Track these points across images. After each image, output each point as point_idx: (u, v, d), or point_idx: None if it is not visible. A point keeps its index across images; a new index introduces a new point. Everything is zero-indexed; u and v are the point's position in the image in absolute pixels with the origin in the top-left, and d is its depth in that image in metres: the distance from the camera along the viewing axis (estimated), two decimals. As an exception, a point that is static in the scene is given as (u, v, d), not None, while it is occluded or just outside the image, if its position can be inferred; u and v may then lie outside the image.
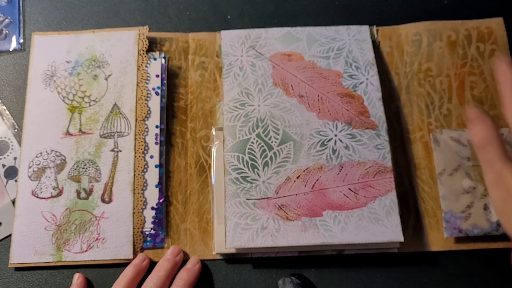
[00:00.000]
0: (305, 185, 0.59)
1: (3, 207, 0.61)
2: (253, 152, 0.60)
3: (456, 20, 0.67)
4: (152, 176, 0.61)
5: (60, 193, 0.60)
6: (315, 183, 0.59)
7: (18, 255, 0.59)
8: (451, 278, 0.59)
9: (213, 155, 0.62)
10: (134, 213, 0.59)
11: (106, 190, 0.60)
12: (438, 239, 0.59)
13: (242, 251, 0.58)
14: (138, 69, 0.64)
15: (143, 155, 0.61)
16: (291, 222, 0.57)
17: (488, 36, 0.66)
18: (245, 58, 0.64)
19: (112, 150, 0.61)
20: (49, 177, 0.61)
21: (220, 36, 0.66)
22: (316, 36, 0.66)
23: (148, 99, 0.64)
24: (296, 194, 0.58)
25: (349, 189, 0.58)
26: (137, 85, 0.64)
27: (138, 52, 0.65)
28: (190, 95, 0.66)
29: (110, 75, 0.64)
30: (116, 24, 0.70)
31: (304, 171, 0.59)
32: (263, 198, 0.58)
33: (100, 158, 0.61)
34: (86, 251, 0.58)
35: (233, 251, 0.58)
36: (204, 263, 0.60)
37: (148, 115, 0.63)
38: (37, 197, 0.60)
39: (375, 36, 0.67)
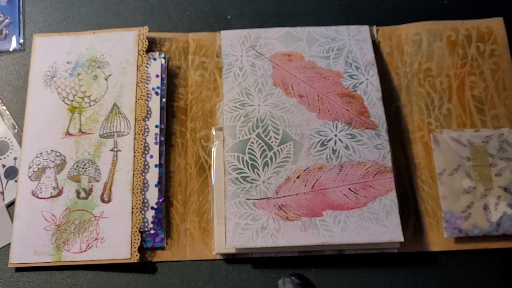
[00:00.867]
0: (305, 185, 0.59)
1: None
2: (253, 152, 0.60)
3: (456, 20, 0.67)
4: (152, 176, 0.61)
5: (60, 193, 0.60)
6: (315, 183, 0.59)
7: (18, 255, 0.58)
8: (451, 278, 0.59)
9: (213, 155, 0.62)
10: (132, 212, 0.59)
11: (105, 190, 0.60)
12: (438, 239, 0.59)
13: (242, 251, 0.58)
14: (138, 69, 0.64)
15: (143, 155, 0.61)
16: (291, 222, 0.57)
17: (488, 36, 0.66)
18: (245, 58, 0.64)
19: (112, 150, 0.61)
20: (49, 177, 0.61)
21: (220, 36, 0.66)
22: (316, 36, 0.66)
23: (148, 99, 0.64)
24: (296, 194, 0.58)
25: (349, 189, 0.58)
26: (137, 85, 0.64)
27: (138, 52, 0.65)
28: (190, 95, 0.66)
29: (110, 75, 0.64)
30: (116, 24, 0.70)
31: (304, 171, 0.59)
32: (263, 198, 0.58)
33: (100, 158, 0.61)
34: (85, 251, 0.58)
35: (233, 251, 0.58)
36: (204, 263, 0.60)
37: (148, 115, 0.63)
38: (37, 197, 0.60)
39: (375, 36, 0.67)
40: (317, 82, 0.63)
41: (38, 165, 0.61)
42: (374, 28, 0.67)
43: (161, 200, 0.60)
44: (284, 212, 0.57)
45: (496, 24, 0.67)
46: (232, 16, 0.72)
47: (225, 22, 0.71)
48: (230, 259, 0.60)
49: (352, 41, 0.65)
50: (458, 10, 0.70)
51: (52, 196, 0.60)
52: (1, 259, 0.60)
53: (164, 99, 0.64)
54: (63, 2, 0.73)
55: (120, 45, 0.66)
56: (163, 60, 0.66)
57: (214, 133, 0.63)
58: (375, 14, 0.70)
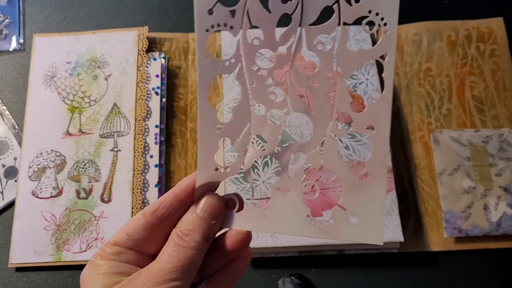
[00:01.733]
0: (305, 185, 0.58)
1: None
2: (253, 152, 0.60)
3: (456, 20, 0.67)
4: (152, 176, 0.61)
5: (60, 193, 0.60)
6: (315, 183, 0.59)
7: (18, 255, 0.58)
8: (451, 278, 0.59)
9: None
10: (132, 212, 0.59)
11: (105, 189, 0.60)
12: (438, 239, 0.59)
13: (242, 251, 0.58)
14: (138, 69, 0.64)
15: (142, 155, 0.61)
16: (291, 222, 0.57)
17: (488, 36, 0.66)
18: (245, 58, 0.64)
19: (112, 150, 0.61)
20: (49, 177, 0.61)
21: (220, 36, 0.66)
22: (316, 36, 0.66)
23: (148, 99, 0.64)
24: (296, 194, 0.58)
25: (349, 189, 0.58)
26: (137, 85, 0.64)
27: (138, 52, 0.65)
28: (190, 95, 0.66)
29: (110, 75, 0.64)
30: (116, 24, 0.70)
31: (304, 171, 0.59)
32: (263, 198, 0.58)
33: (100, 158, 0.61)
34: (85, 250, 0.58)
35: (233, 251, 0.58)
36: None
37: (148, 115, 0.63)
38: (37, 197, 0.60)
39: (375, 36, 0.67)
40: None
41: (38, 165, 0.61)
42: (374, 28, 0.67)
43: (161, 200, 0.60)
44: (284, 212, 0.57)
45: (496, 24, 0.67)
46: None
47: None
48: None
49: (352, 41, 0.65)
50: (458, 10, 0.70)
51: (52, 196, 0.60)
52: (1, 259, 0.60)
53: (164, 99, 0.64)
54: (63, 2, 0.73)
55: (120, 45, 0.66)
56: (163, 60, 0.66)
57: (214, 133, 0.63)
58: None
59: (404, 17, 0.68)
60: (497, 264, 0.59)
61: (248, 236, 0.37)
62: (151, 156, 0.62)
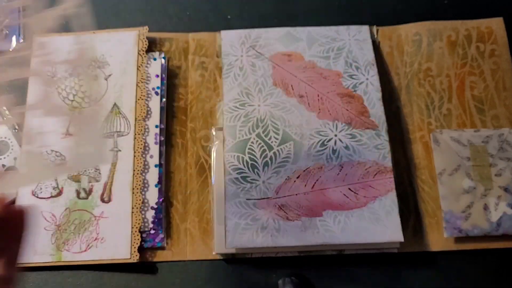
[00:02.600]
0: (305, 185, 0.59)
1: None
2: (253, 152, 0.60)
3: (456, 20, 0.67)
4: (152, 176, 0.61)
5: (60, 193, 0.60)
6: (315, 183, 0.59)
7: (18, 255, 0.58)
8: (451, 278, 0.59)
9: (213, 155, 0.62)
10: (132, 212, 0.59)
11: (105, 190, 0.60)
12: (438, 239, 0.59)
13: (242, 251, 0.58)
14: (138, 69, 0.64)
15: (142, 155, 0.61)
16: (291, 222, 0.57)
17: (488, 36, 0.66)
18: (245, 58, 0.64)
19: (112, 150, 0.61)
20: (49, 177, 0.61)
21: (220, 36, 0.66)
22: (316, 36, 0.66)
23: (148, 99, 0.64)
24: (296, 194, 0.58)
25: (349, 189, 0.58)
26: (137, 85, 0.64)
27: (138, 52, 0.65)
28: (190, 95, 0.66)
29: (110, 75, 0.64)
30: (116, 24, 0.70)
31: (304, 171, 0.59)
32: (263, 198, 0.58)
33: (100, 158, 0.61)
34: (85, 250, 0.58)
35: (233, 251, 0.58)
36: (204, 263, 0.60)
37: (148, 115, 0.63)
38: (37, 197, 0.60)
39: (375, 36, 0.67)
40: (317, 82, 0.63)
41: (38, 165, 0.61)
42: (374, 28, 0.67)
43: (161, 200, 0.60)
44: (284, 212, 0.57)
45: (496, 24, 0.67)
46: (232, 16, 0.72)
47: (225, 22, 0.71)
48: (230, 259, 0.60)
49: (352, 41, 0.65)
50: (458, 10, 0.70)
51: (52, 196, 0.60)
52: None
53: (164, 99, 0.64)
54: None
55: (120, 45, 0.66)
56: (163, 60, 0.66)
57: (214, 133, 0.63)
58: (375, 14, 0.70)
59: (404, 17, 0.69)
60: (497, 264, 0.59)
61: None
62: (151, 156, 0.62)
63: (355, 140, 0.60)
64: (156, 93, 0.64)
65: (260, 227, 0.57)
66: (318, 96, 0.62)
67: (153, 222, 0.60)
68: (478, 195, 0.58)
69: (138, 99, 0.63)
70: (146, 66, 0.65)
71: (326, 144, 0.60)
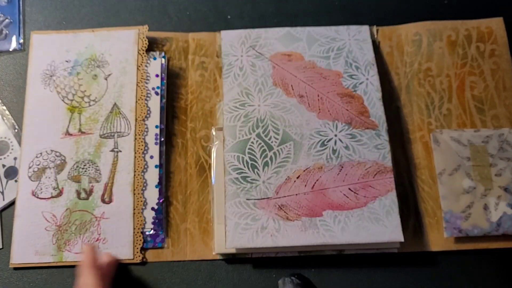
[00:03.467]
0: (305, 185, 0.59)
1: None
2: (253, 152, 0.60)
3: (456, 20, 0.67)
4: (152, 176, 0.61)
5: (60, 194, 0.60)
6: (315, 183, 0.59)
7: (19, 256, 0.58)
8: (451, 278, 0.59)
9: (213, 155, 0.62)
10: (134, 213, 0.59)
11: (106, 190, 0.60)
12: (438, 239, 0.59)
13: (242, 251, 0.58)
14: (138, 68, 0.64)
15: (143, 155, 0.61)
16: (291, 222, 0.57)
17: (488, 36, 0.66)
18: (245, 58, 0.64)
19: (112, 150, 0.61)
20: (49, 178, 0.61)
21: (220, 36, 0.66)
22: (316, 36, 0.66)
23: (148, 99, 0.63)
24: (296, 194, 0.58)
25: (349, 189, 0.58)
26: (137, 84, 0.64)
27: (138, 52, 0.65)
28: (190, 95, 0.66)
29: (109, 74, 0.64)
30: (116, 24, 0.70)
31: (304, 171, 0.59)
32: (263, 198, 0.58)
33: (100, 158, 0.61)
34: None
35: (233, 251, 0.58)
36: (204, 263, 0.60)
37: (148, 115, 0.63)
38: (37, 197, 0.60)
39: (375, 36, 0.67)
40: (317, 82, 0.63)
41: (38, 165, 0.61)
42: (374, 28, 0.67)
43: (161, 200, 0.60)
44: (284, 212, 0.57)
45: (496, 24, 0.67)
46: (232, 16, 0.72)
47: (225, 22, 0.71)
48: (230, 259, 0.60)
49: (352, 41, 0.65)
50: (458, 10, 0.70)
51: (52, 197, 0.60)
52: (2, 259, 0.60)
53: (164, 99, 0.64)
54: (63, 2, 0.73)
55: (120, 44, 0.65)
56: (163, 60, 0.66)
57: (214, 133, 0.63)
58: (375, 14, 0.70)
59: (404, 17, 0.69)
60: (497, 264, 0.59)
61: None
62: (151, 157, 0.62)
63: (355, 140, 0.60)
64: (156, 93, 0.64)
65: (260, 227, 0.57)
66: (318, 96, 0.62)
67: (153, 223, 0.60)
68: (478, 195, 0.58)
69: (138, 99, 0.63)
70: (146, 66, 0.65)
71: (326, 144, 0.60)
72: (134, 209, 0.59)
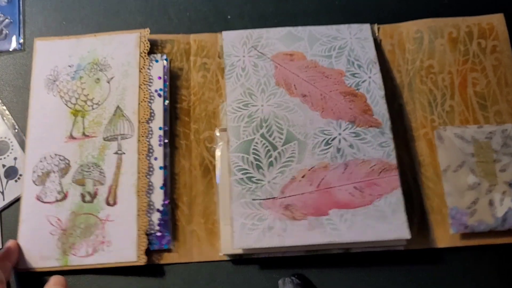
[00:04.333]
0: (311, 184, 0.59)
1: None
2: (257, 153, 0.60)
3: (457, 17, 0.67)
4: (157, 178, 0.61)
5: (64, 197, 0.60)
6: (320, 182, 0.59)
7: (24, 261, 0.58)
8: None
9: (218, 156, 0.62)
10: (138, 215, 0.59)
11: (110, 193, 0.60)
12: (444, 236, 0.59)
13: (249, 252, 0.58)
14: (140, 71, 0.64)
15: (147, 157, 0.61)
16: (297, 221, 0.57)
17: (489, 32, 0.66)
18: (247, 59, 0.64)
19: (116, 153, 0.61)
20: (53, 181, 0.60)
21: (222, 36, 0.66)
22: (317, 35, 0.66)
23: (151, 101, 0.63)
24: (302, 194, 0.58)
25: (355, 187, 0.58)
26: (140, 87, 0.64)
27: (140, 55, 0.65)
28: (192, 97, 0.66)
29: (112, 78, 0.64)
30: (116, 25, 0.70)
31: (309, 170, 0.59)
32: (269, 198, 0.58)
33: (104, 161, 0.61)
34: (91, 254, 0.58)
35: (240, 251, 0.58)
36: (211, 265, 0.60)
37: (151, 117, 0.63)
38: (42, 201, 0.60)
39: (376, 34, 0.67)
40: (319, 81, 0.63)
41: (42, 169, 0.61)
42: (375, 26, 0.67)
43: (166, 202, 0.60)
44: (290, 211, 0.57)
45: (497, 20, 0.67)
46: (232, 16, 0.72)
47: (225, 22, 0.71)
48: (237, 259, 0.60)
49: (354, 39, 0.65)
50: (459, 7, 0.70)
51: (57, 200, 0.60)
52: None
53: (167, 101, 0.64)
54: (63, 3, 0.73)
55: (122, 47, 0.65)
56: (165, 62, 0.66)
57: (218, 134, 0.63)
58: (375, 14, 0.70)
59: (404, 16, 0.69)
60: (503, 259, 0.59)
61: None
62: (156, 158, 0.61)
63: (359, 139, 0.60)
64: (159, 95, 0.64)
65: (267, 227, 0.57)
66: (321, 95, 0.62)
67: (159, 225, 0.60)
68: (483, 191, 0.58)
69: (141, 101, 0.63)
70: (148, 68, 0.65)
71: (331, 143, 0.60)
72: (138, 211, 0.59)
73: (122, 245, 0.58)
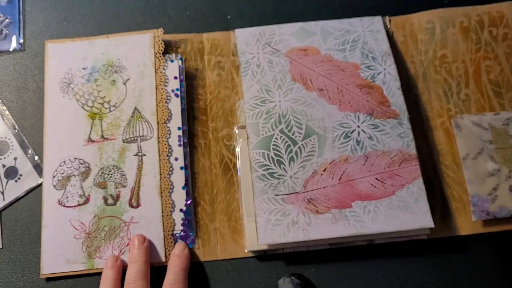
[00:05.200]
0: (332, 178, 0.59)
1: None
2: (278, 148, 0.60)
3: (467, 6, 0.68)
4: (178, 178, 0.61)
5: (87, 201, 0.60)
6: (342, 175, 0.59)
7: (49, 265, 0.58)
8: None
9: (238, 153, 0.62)
10: (163, 216, 0.59)
11: (133, 195, 0.60)
12: (466, 223, 0.60)
13: (274, 247, 0.58)
14: (155, 72, 0.64)
15: (167, 157, 0.61)
16: (321, 215, 0.57)
17: (500, 20, 0.67)
18: (262, 55, 0.64)
19: (136, 155, 0.61)
20: (74, 185, 0.60)
21: (235, 34, 0.66)
22: (330, 30, 0.66)
23: (168, 101, 0.63)
24: (324, 187, 0.58)
25: (376, 178, 0.59)
26: (156, 88, 0.64)
27: (155, 55, 0.65)
28: (209, 95, 0.66)
29: (128, 79, 0.64)
30: (116, 25, 0.70)
31: (330, 163, 0.59)
32: (292, 193, 0.58)
33: (125, 163, 0.61)
34: (118, 256, 0.58)
35: (265, 247, 0.58)
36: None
37: (169, 118, 0.63)
38: (64, 206, 0.60)
39: (388, 26, 0.68)
40: (335, 75, 0.63)
41: (62, 173, 0.61)
42: (387, 18, 0.68)
43: (189, 201, 0.60)
44: (314, 205, 0.58)
45: (506, 8, 0.68)
46: (232, 16, 0.72)
47: (225, 22, 0.71)
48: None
49: (366, 32, 0.66)
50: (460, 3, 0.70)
51: (79, 204, 0.60)
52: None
53: (184, 101, 0.64)
54: (63, 2, 0.72)
55: (136, 48, 0.65)
56: (180, 62, 0.65)
57: (237, 131, 0.63)
58: (375, 14, 0.70)
59: (406, 13, 0.69)
60: (526, 243, 0.60)
61: None
62: (176, 159, 0.62)
63: (378, 130, 0.61)
64: (176, 95, 0.64)
65: (291, 222, 0.57)
66: (337, 88, 0.63)
67: (183, 224, 0.60)
68: (503, 177, 0.59)
69: (159, 102, 0.63)
70: (164, 69, 0.65)
71: (350, 136, 0.60)
72: (162, 212, 0.59)
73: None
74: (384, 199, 0.58)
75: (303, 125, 0.61)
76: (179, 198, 0.60)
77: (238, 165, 0.62)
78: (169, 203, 0.60)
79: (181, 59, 0.66)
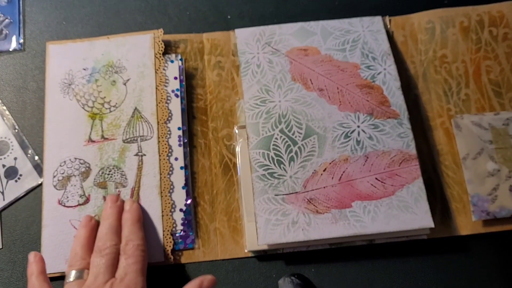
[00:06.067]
0: (332, 178, 0.59)
1: None
2: (278, 148, 0.60)
3: (467, 6, 0.68)
4: (178, 178, 0.61)
5: (87, 201, 0.60)
6: (342, 175, 0.59)
7: (49, 265, 0.58)
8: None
9: (238, 153, 0.62)
10: (163, 216, 0.59)
11: (133, 194, 0.60)
12: (466, 223, 0.60)
13: (274, 247, 0.58)
14: (156, 72, 0.64)
15: (167, 157, 0.61)
16: (321, 215, 0.57)
17: (500, 20, 0.67)
18: (262, 55, 0.65)
19: (136, 155, 0.61)
20: (74, 185, 0.60)
21: (235, 34, 0.66)
22: (330, 30, 0.66)
23: (168, 101, 0.63)
24: (324, 187, 0.58)
25: (376, 178, 0.59)
26: (156, 88, 0.64)
27: (155, 55, 0.65)
28: (209, 95, 0.66)
29: (128, 79, 0.64)
30: (116, 25, 0.70)
31: (330, 163, 0.60)
32: (292, 193, 0.58)
33: (125, 163, 0.61)
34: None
35: (265, 247, 0.58)
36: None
37: (169, 118, 0.63)
38: (64, 206, 0.60)
39: (388, 26, 0.68)
40: (335, 75, 0.63)
41: (63, 173, 0.61)
42: (387, 18, 0.68)
43: (189, 201, 0.60)
44: (314, 205, 0.58)
45: (506, 7, 0.68)
46: (232, 16, 0.72)
47: (225, 22, 0.71)
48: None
49: (366, 32, 0.66)
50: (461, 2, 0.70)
51: (79, 204, 0.60)
52: (2, 259, 0.60)
53: (184, 101, 0.64)
54: (63, 2, 0.73)
55: (136, 49, 0.65)
56: (180, 62, 0.66)
57: (237, 131, 0.63)
58: (375, 14, 0.70)
59: (406, 13, 0.69)
60: (526, 243, 0.60)
61: None
62: (176, 159, 0.62)
63: (378, 130, 0.61)
64: (176, 95, 0.64)
65: (291, 222, 0.57)
66: (337, 88, 0.63)
67: (183, 224, 0.60)
68: (503, 177, 0.59)
69: (159, 102, 0.63)
70: (164, 69, 0.65)
71: (350, 136, 0.60)
72: (162, 212, 0.59)
73: (148, 245, 0.58)
74: (384, 199, 0.58)
75: (303, 125, 0.61)
76: (179, 198, 0.60)
77: (238, 165, 0.62)
78: (169, 203, 0.60)
79: (181, 59, 0.66)
